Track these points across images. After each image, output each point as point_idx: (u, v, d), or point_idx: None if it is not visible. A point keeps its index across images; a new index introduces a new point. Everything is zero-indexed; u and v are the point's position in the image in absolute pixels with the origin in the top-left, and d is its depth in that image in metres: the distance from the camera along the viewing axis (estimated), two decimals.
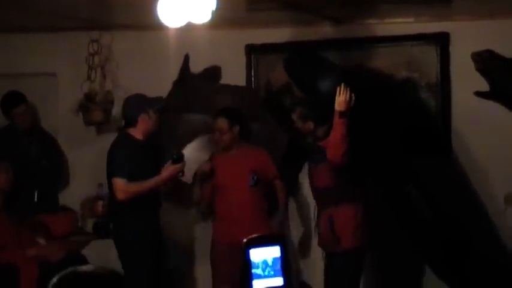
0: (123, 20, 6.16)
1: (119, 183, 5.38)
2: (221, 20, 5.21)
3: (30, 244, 5.61)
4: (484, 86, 5.46)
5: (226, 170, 5.76)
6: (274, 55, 6.33)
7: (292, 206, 6.29)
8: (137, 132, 5.53)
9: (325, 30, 6.28)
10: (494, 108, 5.75)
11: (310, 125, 5.47)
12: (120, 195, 5.38)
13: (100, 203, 6.13)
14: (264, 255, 2.28)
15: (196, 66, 6.21)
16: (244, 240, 2.29)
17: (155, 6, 4.72)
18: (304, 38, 6.25)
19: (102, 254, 5.63)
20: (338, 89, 5.07)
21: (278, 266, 2.30)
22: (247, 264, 2.32)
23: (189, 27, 4.89)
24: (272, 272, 2.31)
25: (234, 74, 6.28)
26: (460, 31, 6.08)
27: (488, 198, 6.04)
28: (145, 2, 4.92)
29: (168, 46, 5.91)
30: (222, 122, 5.71)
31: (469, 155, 6.10)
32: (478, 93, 5.53)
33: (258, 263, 2.32)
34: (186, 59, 6.18)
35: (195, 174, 5.83)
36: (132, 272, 5.22)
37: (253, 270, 2.32)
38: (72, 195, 6.40)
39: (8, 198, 5.73)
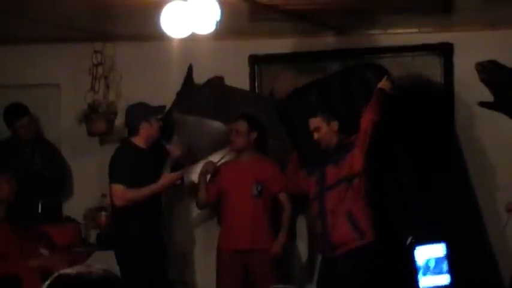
0: (126, 30, 6.17)
1: (117, 189, 5.43)
2: (225, 30, 5.21)
3: (33, 255, 5.60)
4: (487, 96, 5.45)
5: (233, 177, 5.82)
6: (277, 65, 6.35)
7: (302, 223, 6.27)
8: (139, 140, 5.57)
9: (328, 41, 6.28)
10: (498, 118, 5.74)
11: (335, 124, 5.49)
12: (118, 201, 5.45)
13: (103, 213, 6.12)
14: (429, 253, 2.25)
15: (200, 77, 6.21)
16: (409, 239, 2.28)
17: (159, 17, 4.72)
18: (308, 49, 6.26)
19: (106, 265, 5.60)
20: (385, 77, 5.41)
21: (444, 264, 2.27)
22: (413, 261, 2.29)
23: (192, 38, 4.90)
24: (437, 270, 2.29)
25: (238, 85, 6.27)
26: (463, 41, 6.08)
27: (491, 208, 6.03)
28: (149, 13, 4.92)
29: (171, 57, 5.92)
30: (242, 125, 5.82)
31: (473, 165, 6.09)
32: (482, 104, 5.52)
33: (423, 261, 2.29)
34: (190, 69, 6.18)
35: (200, 174, 5.86)
36: (130, 280, 5.21)
37: (419, 268, 2.30)
38: (76, 206, 6.39)
39: (11, 208, 5.72)
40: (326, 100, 5.84)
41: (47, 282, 1.91)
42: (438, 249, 2.11)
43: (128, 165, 5.48)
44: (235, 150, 5.92)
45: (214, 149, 6.13)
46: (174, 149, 5.82)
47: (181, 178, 5.65)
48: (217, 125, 6.14)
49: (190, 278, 6.39)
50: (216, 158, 6.01)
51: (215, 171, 5.88)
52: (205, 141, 6.16)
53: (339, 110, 5.73)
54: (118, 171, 5.47)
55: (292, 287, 2.49)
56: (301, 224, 6.24)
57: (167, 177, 5.49)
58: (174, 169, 5.48)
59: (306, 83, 6.13)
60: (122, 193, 5.42)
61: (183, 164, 5.60)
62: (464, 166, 6.08)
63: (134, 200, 5.41)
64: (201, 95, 6.14)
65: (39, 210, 6.11)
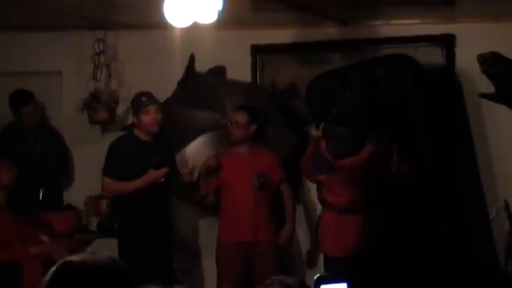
0: (129, 19, 6.16)
1: (105, 181, 5.58)
2: (227, 20, 5.22)
3: (34, 242, 5.61)
4: (489, 87, 5.45)
5: (233, 170, 5.80)
6: (279, 56, 6.35)
7: (299, 212, 6.28)
8: (139, 131, 5.55)
9: (331, 31, 6.28)
10: (499, 109, 5.75)
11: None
12: (106, 193, 5.78)
13: (104, 201, 6.14)
14: None
15: (202, 66, 6.21)
16: (315, 277, 2.23)
17: (161, 6, 4.73)
18: (310, 39, 6.25)
19: (106, 253, 5.60)
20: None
21: None
22: None
23: (194, 27, 4.90)
24: None
25: (239, 75, 6.28)
26: (465, 33, 6.08)
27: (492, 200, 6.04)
28: (152, 2, 4.94)
29: (173, 46, 5.92)
30: (242, 116, 5.80)
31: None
32: (484, 95, 5.52)
33: None
34: (192, 58, 6.17)
35: (202, 168, 5.84)
36: (130, 268, 5.20)
37: None
38: (76, 194, 6.40)
39: (11, 195, 5.72)
40: (347, 87, 5.78)
41: (53, 269, 1.91)
42: None
43: (119, 158, 5.51)
44: (234, 141, 5.89)
45: (193, 138, 6.11)
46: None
47: (163, 176, 5.58)
48: (198, 113, 6.12)
49: (195, 267, 6.39)
50: (194, 148, 6.01)
51: (218, 165, 5.86)
52: (186, 130, 6.12)
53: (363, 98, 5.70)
54: (108, 165, 5.55)
55: (293, 277, 2.48)
56: (299, 212, 6.24)
57: (150, 174, 5.46)
58: (156, 167, 5.46)
59: (327, 70, 6.08)
60: (109, 186, 5.56)
61: (165, 163, 5.53)
62: (474, 156, 6.06)
63: (120, 193, 5.52)
64: (198, 85, 6.14)
65: (40, 198, 6.11)
